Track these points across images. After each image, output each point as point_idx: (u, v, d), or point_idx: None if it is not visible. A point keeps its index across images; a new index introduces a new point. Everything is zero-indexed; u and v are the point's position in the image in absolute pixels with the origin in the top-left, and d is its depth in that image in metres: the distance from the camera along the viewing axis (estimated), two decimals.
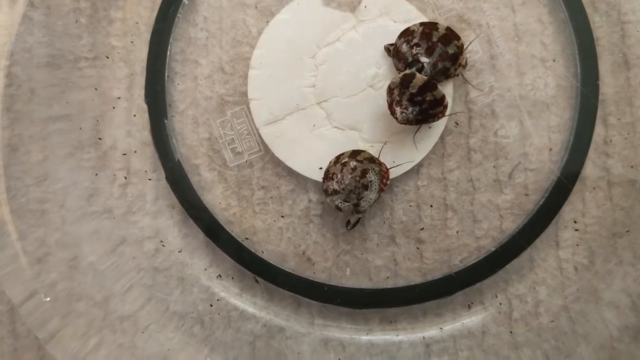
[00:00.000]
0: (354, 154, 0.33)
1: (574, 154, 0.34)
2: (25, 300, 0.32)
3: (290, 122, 0.34)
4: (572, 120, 0.34)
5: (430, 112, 0.31)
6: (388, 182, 0.33)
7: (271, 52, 0.35)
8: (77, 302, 0.34)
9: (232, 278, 0.35)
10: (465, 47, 0.33)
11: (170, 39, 0.35)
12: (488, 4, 0.35)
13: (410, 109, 0.31)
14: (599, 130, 0.35)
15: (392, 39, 0.34)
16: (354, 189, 0.32)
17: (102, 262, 0.34)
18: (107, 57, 0.35)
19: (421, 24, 0.33)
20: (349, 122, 0.34)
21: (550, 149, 0.34)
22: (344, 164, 0.32)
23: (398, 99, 0.31)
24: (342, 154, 0.33)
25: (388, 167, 0.33)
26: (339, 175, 0.32)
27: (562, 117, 0.35)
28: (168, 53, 0.35)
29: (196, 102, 0.35)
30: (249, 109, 0.35)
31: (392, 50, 0.33)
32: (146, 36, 0.35)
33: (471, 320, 0.34)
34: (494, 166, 0.34)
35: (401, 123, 0.32)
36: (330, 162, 0.33)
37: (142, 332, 0.34)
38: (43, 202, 0.34)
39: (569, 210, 0.34)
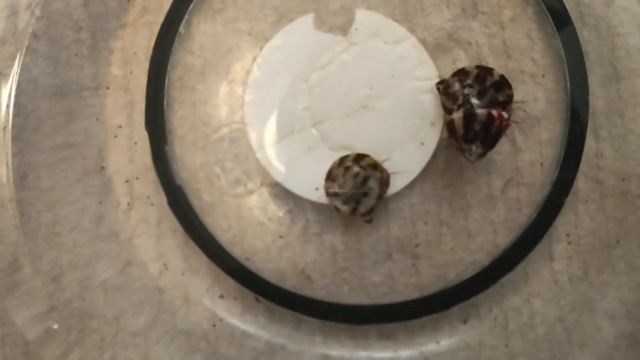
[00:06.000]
0: (358, 158, 0.34)
1: (565, 168, 0.35)
2: (38, 322, 0.34)
3: (286, 145, 0.35)
4: (563, 134, 0.35)
5: (491, 132, 0.32)
6: (387, 189, 0.34)
7: (266, 77, 0.36)
8: (90, 319, 0.35)
9: (234, 298, 0.36)
10: (514, 100, 0.34)
11: (168, 67, 0.36)
12: (477, 22, 0.36)
13: (473, 148, 0.32)
14: (590, 143, 0.35)
15: (383, 60, 0.35)
16: (353, 195, 0.33)
17: (112, 282, 0.36)
18: (108, 88, 0.36)
19: (476, 66, 0.33)
20: (343, 143, 0.35)
21: (542, 164, 0.35)
22: (347, 168, 0.34)
23: (456, 145, 0.33)
24: (347, 156, 0.34)
25: (389, 173, 0.34)
26: (340, 180, 0.33)
27: (553, 131, 0.35)
28: (166, 81, 0.36)
29: (195, 128, 0.36)
30: (245, 132, 0.36)
31: (442, 87, 0.34)
32: (145, 64, 0.36)
33: (468, 333, 0.35)
34: (486, 182, 0.35)
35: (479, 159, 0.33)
36: (334, 163, 0.34)
37: (151, 349, 0.35)
38: (54, 226, 0.35)
39: (562, 223, 0.35)
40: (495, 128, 0.32)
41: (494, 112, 0.32)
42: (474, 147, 0.32)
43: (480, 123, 0.32)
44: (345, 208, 0.33)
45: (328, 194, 0.34)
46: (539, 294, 0.35)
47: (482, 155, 0.32)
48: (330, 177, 0.34)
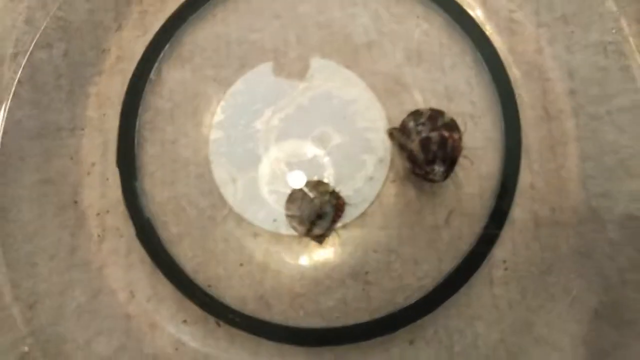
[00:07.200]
0: (317, 185, 0.38)
1: (502, 200, 0.38)
2: (15, 347, 0.36)
3: (247, 181, 0.38)
4: (499, 169, 0.38)
5: (447, 150, 0.35)
6: (342, 215, 0.38)
7: (229, 118, 0.39)
8: (63, 344, 0.38)
9: (197, 323, 0.38)
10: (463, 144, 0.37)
11: (140, 110, 0.39)
12: (421, 69, 0.39)
13: (435, 168, 0.36)
14: (525, 177, 0.38)
15: (336, 103, 0.39)
16: (308, 217, 0.37)
17: (84, 309, 0.38)
18: (83, 129, 0.39)
19: (430, 108, 0.37)
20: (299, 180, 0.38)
21: (481, 196, 0.38)
22: (306, 193, 0.37)
23: (421, 172, 0.36)
24: (308, 182, 0.38)
25: (345, 201, 0.38)
26: (299, 202, 0.37)
27: (491, 166, 0.38)
28: (137, 122, 0.39)
29: (164, 165, 0.39)
30: (210, 169, 0.39)
31: (399, 126, 0.38)
32: (118, 108, 0.39)
33: (416, 354, 0.37)
34: (431, 213, 0.38)
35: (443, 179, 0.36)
36: (294, 188, 0.38)
37: None
38: (33, 256, 0.38)
39: (500, 251, 0.38)
40: (450, 147, 0.35)
41: (445, 133, 0.35)
42: (436, 167, 0.36)
43: (436, 144, 0.35)
44: (301, 229, 0.37)
45: (287, 215, 0.38)
46: (480, 317, 0.38)
47: (445, 173, 0.36)
48: (290, 199, 0.38)
